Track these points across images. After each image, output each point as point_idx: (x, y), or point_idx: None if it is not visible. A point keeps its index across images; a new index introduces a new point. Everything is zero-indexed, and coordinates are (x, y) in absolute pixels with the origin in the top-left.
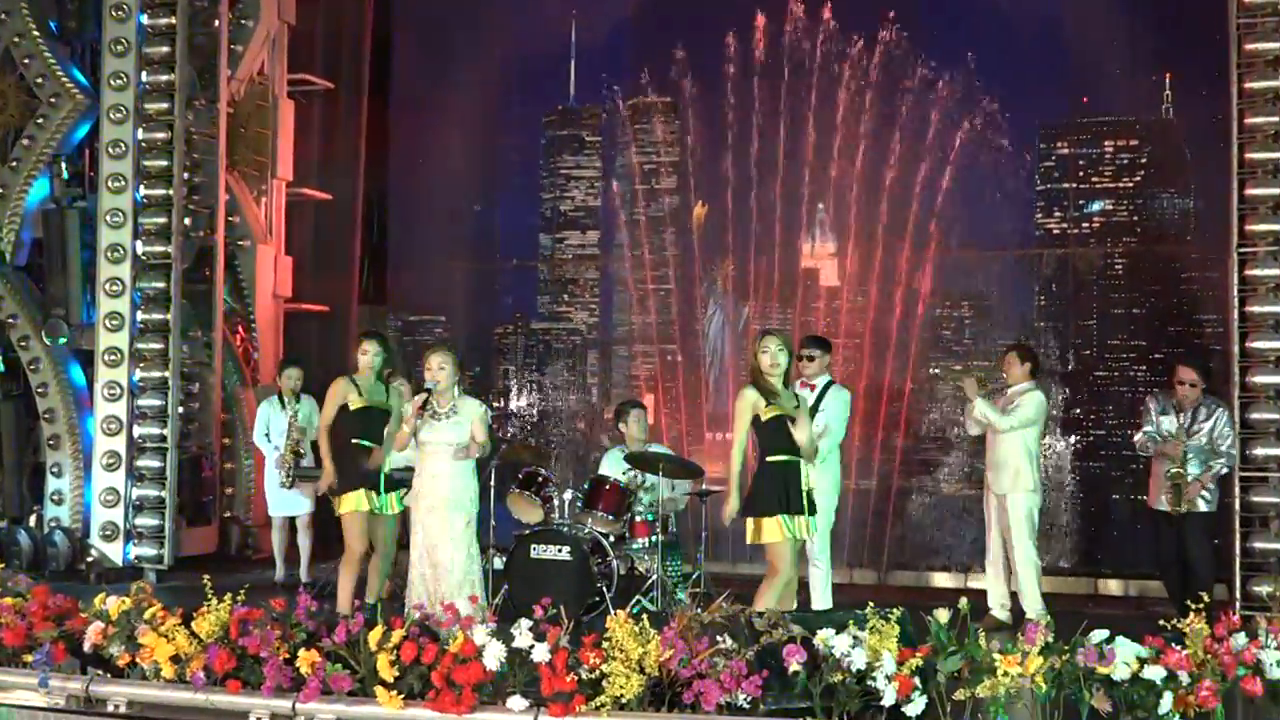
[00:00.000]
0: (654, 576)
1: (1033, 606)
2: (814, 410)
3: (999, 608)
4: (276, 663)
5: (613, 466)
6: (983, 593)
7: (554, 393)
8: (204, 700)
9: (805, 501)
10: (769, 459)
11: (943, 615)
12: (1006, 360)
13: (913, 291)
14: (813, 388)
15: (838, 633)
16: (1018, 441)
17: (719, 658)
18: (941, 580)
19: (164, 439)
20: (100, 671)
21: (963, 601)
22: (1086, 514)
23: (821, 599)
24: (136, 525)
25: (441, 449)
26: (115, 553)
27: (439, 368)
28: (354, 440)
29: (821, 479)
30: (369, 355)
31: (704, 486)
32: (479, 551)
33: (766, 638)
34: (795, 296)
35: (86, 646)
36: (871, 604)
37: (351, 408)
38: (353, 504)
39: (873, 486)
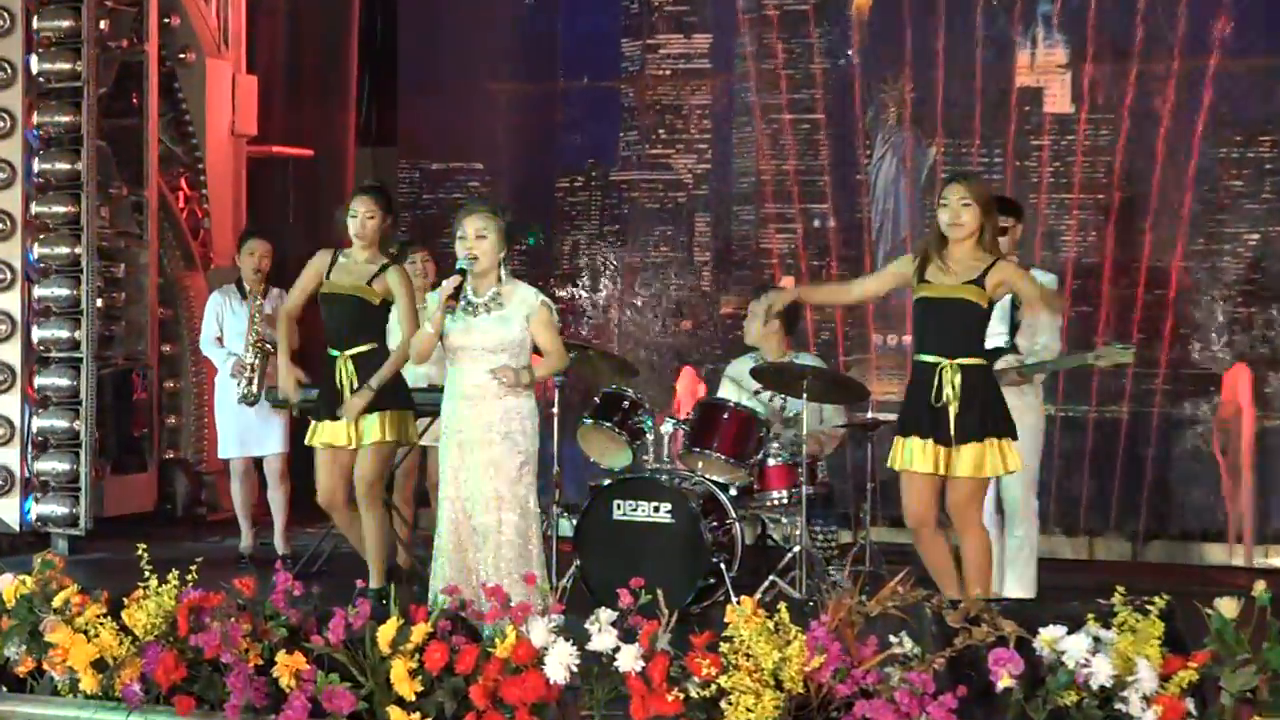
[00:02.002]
0: (797, 547)
1: None
2: (1013, 313)
3: None
4: (245, 671)
5: (735, 387)
6: None
7: (645, 275)
8: None
9: (953, 427)
10: (917, 355)
11: (1228, 607)
12: None
13: (1184, 122)
14: None
15: (1070, 631)
16: None
17: (893, 667)
18: (1220, 555)
19: (76, 345)
20: None
21: (1259, 586)
22: None
23: (1023, 580)
24: (39, 472)
25: (480, 358)
26: (9, 512)
27: (477, 237)
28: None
29: (1021, 405)
30: (359, 219)
31: (871, 415)
32: (538, 510)
33: (963, 638)
34: (1005, 131)
35: None
36: (1120, 589)
37: (320, 292)
38: (312, 436)
39: (1122, 416)
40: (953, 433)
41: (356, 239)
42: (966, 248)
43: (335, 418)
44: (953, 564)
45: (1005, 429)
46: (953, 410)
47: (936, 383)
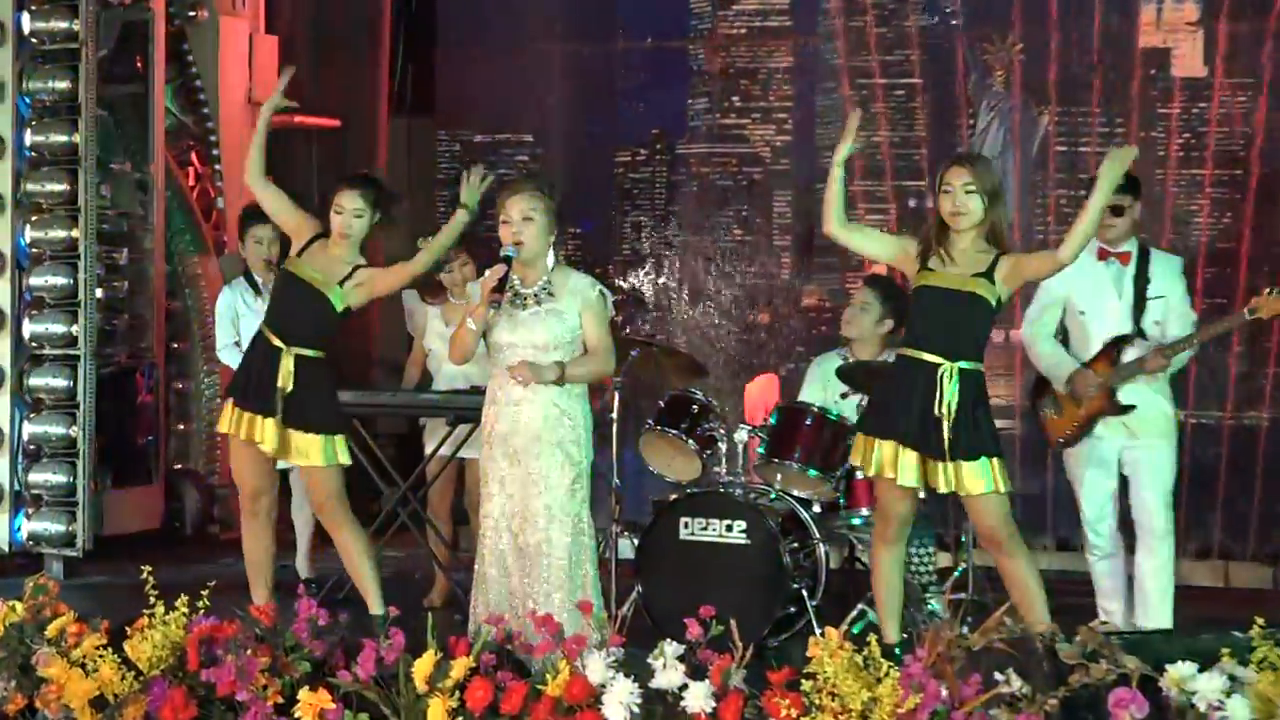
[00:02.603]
0: None
1: None
2: (1139, 294)
3: None
4: (263, 711)
5: (820, 387)
6: None
7: (718, 261)
8: None
9: (943, 435)
10: (905, 349)
11: None
12: None
13: None
14: (1123, 259)
15: (1202, 669)
16: None
17: (999, 708)
18: None
19: (73, 341)
20: None
21: None
22: None
23: (1158, 609)
24: (31, 484)
25: (529, 357)
26: None
27: (523, 219)
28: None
29: (1152, 409)
30: (344, 217)
31: None
32: (593, 530)
33: (1079, 675)
34: (1127, 97)
35: None
36: (1259, 621)
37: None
38: (230, 421)
39: (1261, 422)
40: (947, 446)
41: (339, 238)
42: (969, 239)
43: (266, 413)
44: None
45: (999, 446)
46: (947, 421)
47: (936, 388)
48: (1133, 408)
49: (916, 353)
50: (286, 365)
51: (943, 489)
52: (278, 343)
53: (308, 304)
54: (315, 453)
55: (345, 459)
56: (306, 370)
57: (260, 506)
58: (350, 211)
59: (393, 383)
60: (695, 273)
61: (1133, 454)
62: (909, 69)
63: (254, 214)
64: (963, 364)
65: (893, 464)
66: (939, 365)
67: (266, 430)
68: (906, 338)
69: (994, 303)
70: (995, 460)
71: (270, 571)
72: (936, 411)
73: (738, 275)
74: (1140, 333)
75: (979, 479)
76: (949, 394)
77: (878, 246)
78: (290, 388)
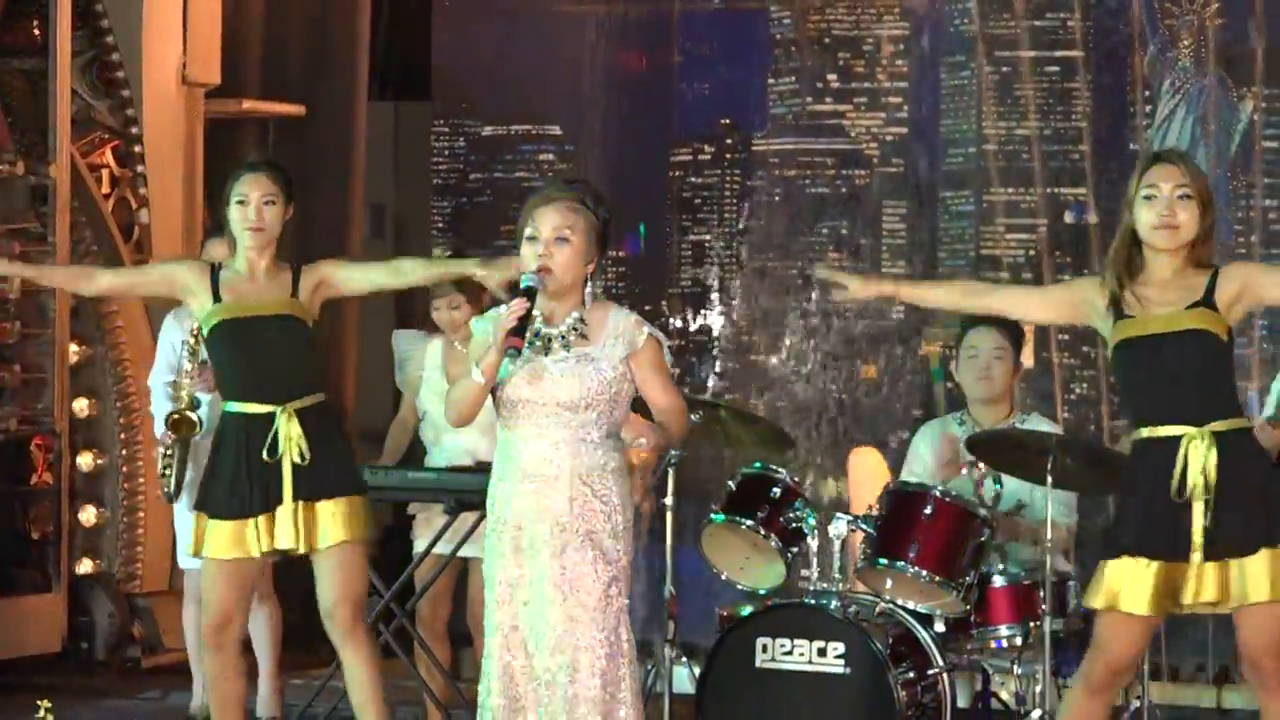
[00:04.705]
0: (1037, 712)
1: None
2: None
3: None
4: None
5: (930, 463)
6: None
7: (806, 294)
8: None
9: (1203, 535)
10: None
11: None
12: None
13: None
14: None
15: None
16: None
17: None
18: None
19: None
20: None
21: None
22: None
23: None
24: None
25: (552, 419)
26: None
27: (557, 238)
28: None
29: None
30: (251, 206)
31: None
32: (635, 652)
33: None
34: None
35: None
36: None
37: (210, 323)
38: (204, 541)
39: None
40: (1208, 538)
41: (249, 234)
42: (1175, 263)
43: (246, 514)
44: None
45: None
46: (1200, 505)
47: (1180, 464)
48: None
49: (1150, 430)
50: (289, 429)
51: (1206, 600)
52: (262, 408)
53: (279, 341)
54: (341, 524)
55: (369, 526)
56: (313, 422)
57: (228, 637)
58: (259, 199)
59: (371, 455)
60: (777, 311)
61: None
62: (1068, 39)
63: (216, 230)
64: (1217, 425)
65: (1135, 592)
66: (1182, 435)
67: (280, 525)
68: (1129, 415)
69: (1225, 336)
70: None
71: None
72: (1181, 495)
73: (835, 315)
74: None
75: (1264, 579)
76: (1202, 467)
77: (1040, 304)
78: (307, 455)
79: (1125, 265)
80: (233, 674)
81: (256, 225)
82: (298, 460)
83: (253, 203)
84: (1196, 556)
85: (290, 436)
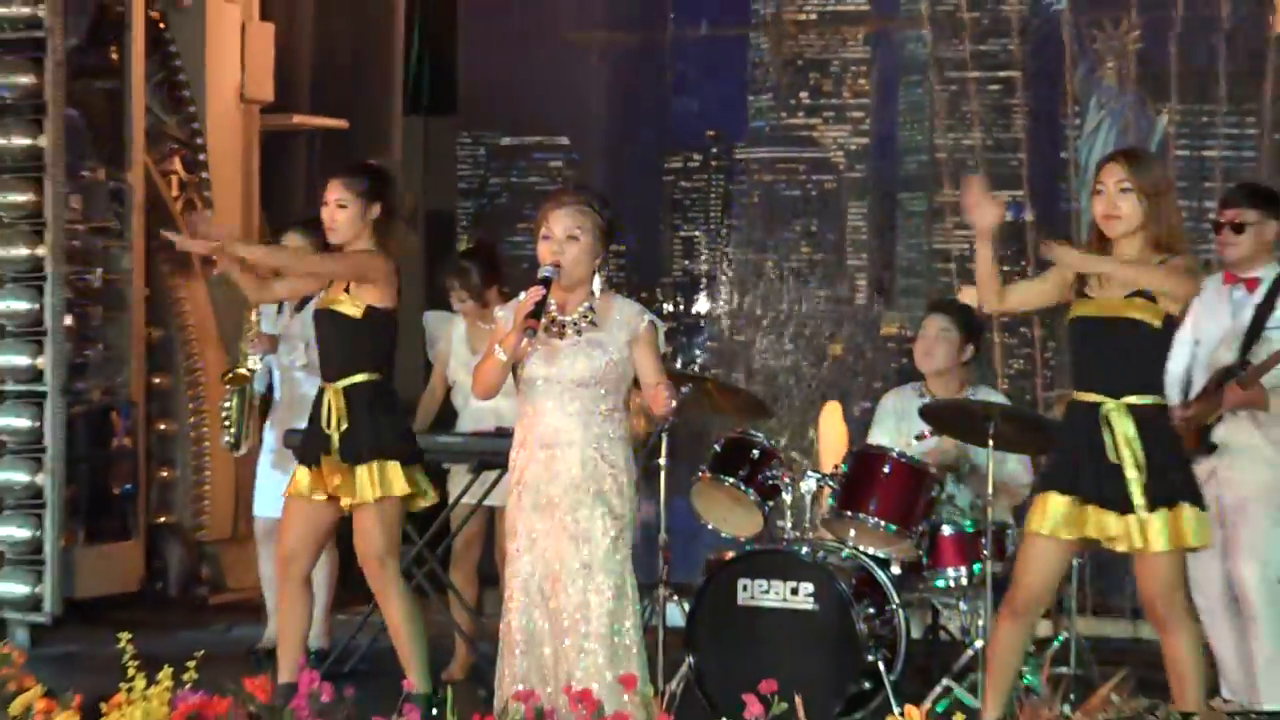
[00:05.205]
0: (979, 643)
1: None
2: (1257, 324)
3: None
4: None
5: (892, 429)
6: None
7: (781, 284)
8: None
9: (1128, 485)
10: (1072, 394)
11: None
12: None
13: None
14: (1250, 285)
15: None
16: None
17: None
18: None
19: (38, 375)
20: None
21: None
22: None
23: (1271, 686)
24: None
25: (566, 394)
26: None
27: (568, 236)
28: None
29: (1256, 449)
30: (328, 210)
31: None
32: (637, 593)
33: None
34: (1260, 94)
35: None
36: None
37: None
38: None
39: None
40: (1133, 495)
41: (329, 235)
42: (1133, 248)
43: (312, 464)
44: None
45: (1197, 492)
46: (1129, 466)
47: (1105, 430)
48: (1215, 448)
49: (1078, 395)
50: (334, 403)
51: (1122, 548)
52: (324, 385)
53: (331, 329)
54: (363, 485)
55: (400, 488)
56: (355, 397)
57: (293, 571)
58: (334, 202)
59: None
60: (756, 297)
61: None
62: (1007, 60)
63: (306, 222)
64: (1131, 399)
65: (1069, 521)
66: (1100, 404)
67: (327, 471)
68: (1073, 378)
69: (1157, 323)
70: (1194, 507)
71: (299, 648)
72: (1112, 458)
73: (806, 300)
74: (1245, 365)
75: (1161, 534)
76: (1118, 435)
77: (1040, 292)
78: (345, 424)
79: (1095, 248)
80: (296, 608)
81: (329, 227)
82: (338, 429)
83: (328, 205)
84: (1133, 515)
85: (333, 407)
